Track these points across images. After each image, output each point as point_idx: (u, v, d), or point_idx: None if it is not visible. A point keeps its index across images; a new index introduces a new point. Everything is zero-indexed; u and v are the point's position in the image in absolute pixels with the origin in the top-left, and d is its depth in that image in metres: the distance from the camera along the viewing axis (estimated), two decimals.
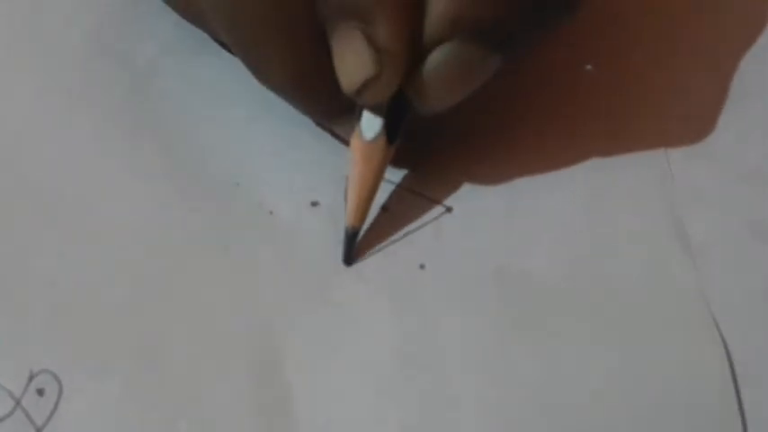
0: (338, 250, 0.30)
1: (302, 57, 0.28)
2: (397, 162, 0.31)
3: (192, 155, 0.31)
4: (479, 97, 0.29)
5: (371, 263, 0.30)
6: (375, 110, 0.28)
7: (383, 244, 0.30)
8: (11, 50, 0.34)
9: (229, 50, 0.32)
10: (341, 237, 0.30)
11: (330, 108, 0.29)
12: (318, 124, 0.31)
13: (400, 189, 0.31)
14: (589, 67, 0.33)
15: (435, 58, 0.27)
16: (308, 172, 0.31)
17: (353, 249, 0.30)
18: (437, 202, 0.31)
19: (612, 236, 0.30)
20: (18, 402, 0.28)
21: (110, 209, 0.31)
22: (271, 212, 0.31)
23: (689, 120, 0.32)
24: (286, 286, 0.29)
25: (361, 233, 0.30)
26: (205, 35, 0.32)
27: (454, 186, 0.31)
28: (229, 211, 0.31)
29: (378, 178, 0.29)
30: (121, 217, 0.30)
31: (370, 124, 0.29)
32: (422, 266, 0.30)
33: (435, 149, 0.31)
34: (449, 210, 0.31)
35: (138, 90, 0.33)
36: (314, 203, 0.31)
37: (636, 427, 0.27)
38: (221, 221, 0.30)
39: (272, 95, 0.30)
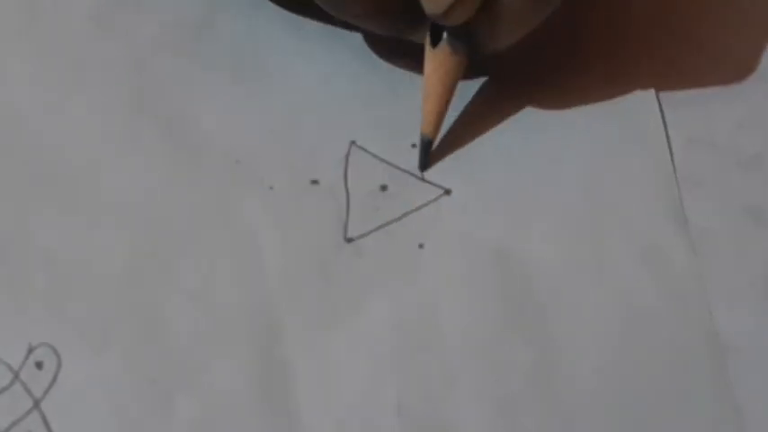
0: (338, 227, 0.30)
1: None
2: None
3: (192, 132, 0.31)
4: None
5: (371, 241, 0.30)
6: (453, 30, 0.29)
7: (383, 222, 0.30)
8: (12, 29, 0.33)
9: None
10: (341, 214, 0.30)
11: (405, 21, 0.30)
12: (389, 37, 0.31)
13: (400, 171, 0.31)
14: None
15: None
16: (308, 151, 0.31)
17: (428, 156, 0.31)
18: (436, 184, 0.31)
19: (611, 220, 0.30)
20: (16, 375, 0.28)
21: (110, 185, 0.31)
22: (271, 188, 0.31)
23: (689, 106, 0.32)
24: (286, 262, 0.29)
25: (436, 143, 0.31)
26: (205, 13, 0.32)
27: (454, 169, 0.31)
28: (229, 188, 0.30)
29: (448, 86, 0.30)
30: (122, 193, 0.30)
31: (439, 35, 0.29)
32: (421, 246, 0.30)
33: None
34: (447, 192, 0.31)
35: (138, 68, 0.33)
36: (314, 182, 0.31)
37: (631, 411, 0.27)
38: (221, 197, 0.30)
39: (270, 74, 0.30)
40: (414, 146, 0.31)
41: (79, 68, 0.33)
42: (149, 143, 0.31)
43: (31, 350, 0.28)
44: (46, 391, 0.28)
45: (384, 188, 0.31)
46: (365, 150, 0.31)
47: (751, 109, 0.32)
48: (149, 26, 0.33)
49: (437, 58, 0.30)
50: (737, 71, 0.33)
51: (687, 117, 0.32)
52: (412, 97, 0.31)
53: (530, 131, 0.31)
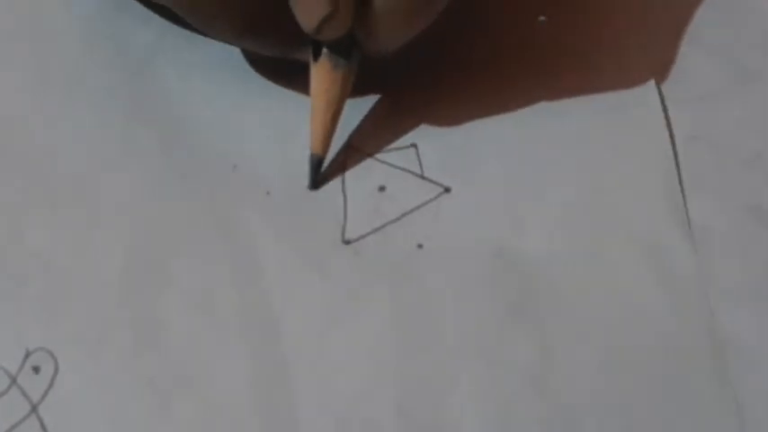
0: (336, 229, 0.30)
1: (252, 5, 0.28)
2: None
3: (189, 137, 0.31)
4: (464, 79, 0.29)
5: (369, 242, 0.30)
6: (332, 43, 0.29)
7: (382, 223, 0.30)
8: (7, 35, 0.34)
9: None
10: (338, 216, 0.30)
11: (286, 43, 0.29)
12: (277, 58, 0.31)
13: (399, 170, 0.31)
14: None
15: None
16: (304, 154, 0.31)
17: (319, 175, 0.30)
18: (436, 182, 0.31)
19: (612, 219, 0.30)
20: (14, 380, 0.28)
21: (107, 189, 0.31)
22: (268, 193, 0.30)
23: (690, 105, 0.32)
24: (283, 265, 0.29)
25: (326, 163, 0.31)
26: None
27: (453, 167, 0.31)
28: (227, 192, 0.30)
29: (332, 102, 0.30)
30: (119, 197, 0.30)
31: (325, 51, 0.29)
32: (420, 246, 0.30)
33: (433, 132, 0.31)
34: (447, 190, 0.30)
35: (134, 74, 0.33)
36: (309, 184, 0.31)
37: (631, 410, 0.27)
38: (219, 202, 0.30)
39: (266, 79, 0.30)
40: (413, 145, 0.31)
41: (77, 73, 0.33)
42: (146, 148, 0.31)
43: (27, 354, 0.28)
44: (43, 396, 0.27)
45: (382, 189, 0.31)
46: (362, 152, 0.31)
47: (753, 107, 0.32)
48: (147, 31, 0.33)
49: (319, 74, 0.29)
50: (739, 69, 0.32)
51: (689, 115, 0.31)
52: (407, 97, 0.31)
53: (530, 129, 0.31)
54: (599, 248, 0.29)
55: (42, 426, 0.27)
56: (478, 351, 0.28)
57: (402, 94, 0.32)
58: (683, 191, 0.30)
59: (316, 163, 0.30)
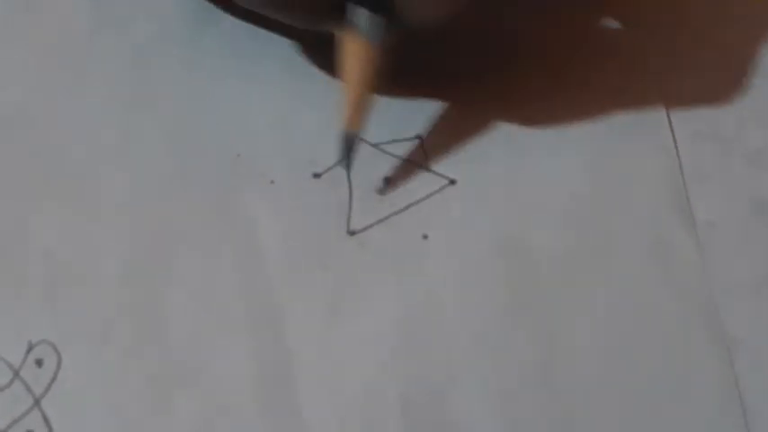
0: (341, 220, 0.30)
1: None
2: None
3: (193, 126, 0.31)
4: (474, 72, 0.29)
5: (374, 233, 0.30)
6: (369, 3, 0.28)
7: (386, 214, 0.30)
8: (11, 23, 0.33)
9: None
10: (343, 207, 0.30)
11: (316, 12, 0.29)
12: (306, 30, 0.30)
13: (405, 162, 0.31)
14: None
15: None
16: (309, 144, 0.31)
17: (353, 155, 0.29)
18: (441, 174, 0.30)
19: (617, 214, 0.30)
20: (17, 373, 0.28)
21: (110, 180, 0.30)
22: (272, 182, 0.30)
23: (695, 100, 0.32)
24: (287, 255, 0.29)
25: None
26: (204, 9, 0.32)
27: (458, 159, 0.31)
28: (230, 181, 0.30)
29: (366, 77, 0.29)
30: (121, 188, 0.30)
31: (356, 21, 0.28)
32: (425, 237, 0.30)
33: (440, 124, 0.31)
34: (453, 182, 0.30)
35: (138, 62, 0.32)
36: (315, 175, 0.30)
37: (636, 404, 0.27)
38: (222, 192, 0.30)
39: (271, 67, 0.30)
40: (418, 136, 0.31)
41: (78, 65, 0.32)
42: (149, 138, 0.31)
43: (31, 348, 0.28)
44: (46, 389, 0.27)
45: (388, 180, 0.30)
46: (367, 142, 0.31)
47: (756, 103, 0.32)
48: (148, 21, 0.33)
49: (353, 47, 0.28)
50: (743, 66, 0.32)
51: (693, 111, 0.31)
52: (414, 89, 0.31)
53: (536, 123, 0.31)
54: (603, 243, 0.29)
55: (45, 419, 0.27)
56: (483, 345, 0.28)
57: (408, 86, 0.31)
58: (686, 186, 0.30)
59: (351, 141, 0.29)
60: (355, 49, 0.28)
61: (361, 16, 0.28)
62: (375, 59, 0.29)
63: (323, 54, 0.30)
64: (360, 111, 0.29)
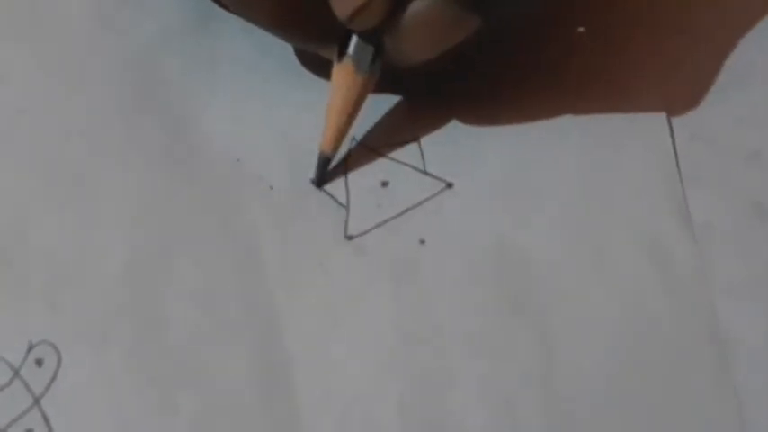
0: (339, 225, 0.30)
1: (287, 3, 0.28)
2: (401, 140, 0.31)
3: (192, 131, 0.31)
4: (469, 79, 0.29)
5: (372, 238, 0.30)
6: (362, 36, 0.29)
7: (384, 219, 0.30)
8: (11, 26, 0.33)
9: None
10: (341, 212, 0.30)
11: (315, 36, 0.29)
12: (302, 51, 0.31)
13: (401, 165, 0.31)
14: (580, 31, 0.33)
15: (416, 7, 0.27)
16: (307, 149, 0.31)
17: (325, 174, 0.30)
18: (438, 178, 0.31)
19: (614, 216, 0.30)
20: (17, 372, 0.28)
21: (110, 183, 0.31)
22: (271, 187, 0.30)
23: (692, 101, 0.32)
24: (286, 259, 0.29)
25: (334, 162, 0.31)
26: (206, 12, 0.33)
27: (455, 162, 0.31)
28: (230, 186, 0.30)
29: (350, 104, 0.30)
30: (122, 191, 0.30)
31: (350, 52, 0.29)
32: (422, 242, 0.30)
33: (436, 128, 0.31)
34: (449, 186, 0.30)
35: (139, 66, 0.33)
36: (314, 180, 0.31)
37: (633, 407, 0.27)
38: (222, 195, 0.30)
39: (271, 73, 0.30)
40: (415, 140, 0.31)
41: (79, 67, 0.33)
42: (149, 142, 0.31)
43: (31, 347, 0.28)
44: (46, 389, 0.28)
45: (385, 184, 0.31)
46: (365, 146, 0.31)
47: (754, 105, 0.32)
48: (149, 25, 0.33)
49: (341, 74, 0.29)
50: (741, 68, 0.32)
51: (690, 113, 0.31)
52: (411, 92, 0.31)
53: (533, 126, 0.31)
54: (601, 245, 0.29)
55: (45, 418, 0.27)
56: (480, 348, 0.28)
57: (405, 89, 0.32)
58: (683, 188, 0.30)
59: (323, 162, 0.30)
60: (343, 76, 0.29)
61: (352, 46, 0.29)
62: (360, 89, 0.29)
63: (322, 60, 0.30)
64: (339, 136, 0.30)
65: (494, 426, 0.27)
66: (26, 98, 0.32)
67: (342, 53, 0.29)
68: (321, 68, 0.31)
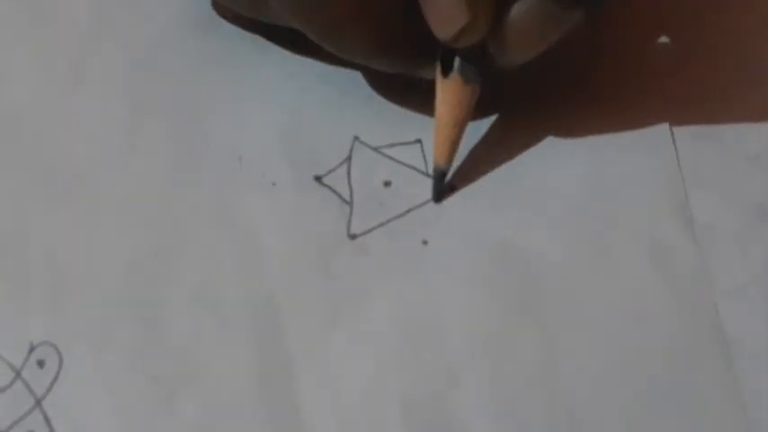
0: (342, 223, 0.30)
1: (384, 21, 0.28)
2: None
3: (194, 129, 0.31)
4: None
5: (374, 238, 0.30)
6: (465, 53, 0.28)
7: (387, 218, 0.30)
8: (13, 28, 0.33)
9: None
10: (344, 210, 0.30)
11: (412, 59, 0.29)
12: (400, 75, 0.30)
13: (404, 166, 0.31)
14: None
15: (518, 10, 0.27)
16: (310, 147, 0.31)
17: (442, 188, 0.30)
18: None
19: (616, 217, 0.30)
20: (18, 374, 0.28)
21: (111, 182, 0.30)
22: (274, 184, 0.30)
23: (694, 101, 0.32)
24: (288, 258, 0.29)
25: (451, 172, 0.30)
26: (207, 12, 0.32)
27: (457, 163, 0.31)
28: (232, 184, 0.30)
29: (461, 117, 0.29)
30: (123, 190, 0.30)
31: (452, 66, 0.29)
32: (424, 242, 0.30)
33: None
34: (452, 187, 0.30)
35: (140, 65, 0.32)
36: (317, 177, 0.30)
37: (636, 407, 0.27)
38: (224, 194, 0.30)
39: (272, 71, 0.30)
40: (418, 140, 0.31)
41: (80, 67, 0.32)
42: (151, 141, 0.31)
43: (32, 349, 0.28)
44: (48, 390, 0.28)
45: (388, 184, 0.30)
46: (368, 146, 0.31)
47: (756, 106, 0.32)
48: (151, 24, 0.33)
49: (449, 89, 0.29)
50: (743, 69, 0.32)
51: (692, 114, 0.31)
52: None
53: (535, 126, 0.31)
54: (603, 247, 0.29)
55: (46, 420, 0.27)
56: (483, 349, 0.28)
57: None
58: (685, 189, 0.30)
59: (440, 176, 0.30)
60: (452, 91, 0.29)
61: (458, 61, 0.29)
62: (470, 98, 0.29)
63: (322, 57, 0.30)
64: (453, 148, 0.30)
65: (497, 426, 0.27)
66: (28, 99, 0.32)
67: (447, 68, 0.29)
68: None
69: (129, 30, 0.33)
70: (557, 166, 0.31)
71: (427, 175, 0.30)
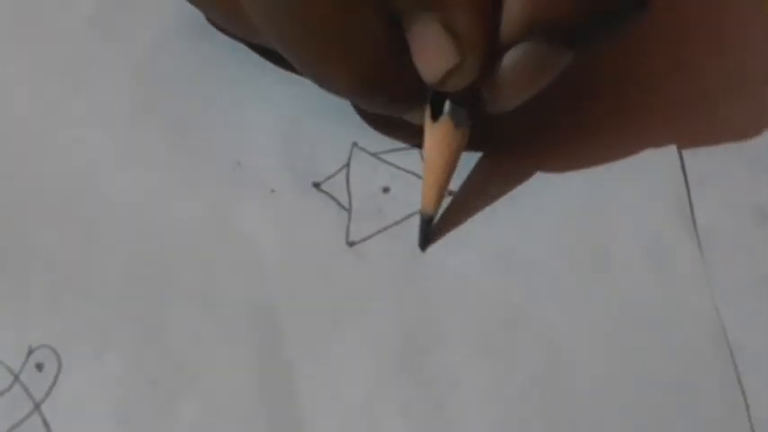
0: (340, 230, 0.30)
1: (371, 61, 0.27)
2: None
3: (193, 134, 0.31)
4: None
5: (373, 244, 0.30)
6: (456, 96, 0.28)
7: (385, 225, 0.30)
8: (11, 31, 0.34)
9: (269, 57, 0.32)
10: (343, 217, 0.30)
11: (399, 101, 0.29)
12: (387, 117, 0.30)
13: (403, 172, 0.31)
14: None
15: (511, 57, 0.27)
16: (309, 153, 0.31)
17: (428, 234, 0.30)
18: None
19: (617, 219, 0.30)
20: (17, 377, 0.28)
21: (110, 187, 0.31)
22: (272, 191, 0.30)
23: (695, 105, 0.32)
24: (287, 266, 0.29)
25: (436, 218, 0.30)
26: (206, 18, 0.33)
27: (457, 169, 0.30)
28: (230, 190, 0.30)
29: (450, 160, 0.29)
30: (122, 195, 0.30)
31: (441, 109, 0.28)
32: (423, 248, 0.30)
33: None
34: (450, 193, 0.30)
35: (138, 71, 0.33)
36: (316, 184, 0.31)
37: (637, 410, 0.27)
38: (222, 199, 0.30)
39: (271, 77, 0.30)
40: (416, 146, 0.31)
41: (79, 71, 0.33)
42: (149, 145, 0.31)
43: (31, 352, 0.28)
44: (46, 394, 0.27)
45: (386, 190, 0.31)
46: (367, 152, 0.31)
47: (758, 108, 0.32)
48: (150, 28, 0.33)
49: (439, 132, 0.29)
50: (744, 70, 0.32)
51: (694, 116, 0.31)
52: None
53: (535, 130, 0.31)
54: (604, 249, 0.29)
55: (45, 424, 0.27)
56: (482, 354, 0.28)
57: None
58: (687, 190, 0.30)
59: (426, 222, 0.29)
60: (441, 135, 0.29)
61: (447, 105, 0.28)
62: (461, 142, 0.29)
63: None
64: (441, 194, 0.29)
65: (498, 430, 0.27)
66: (27, 103, 0.32)
67: (436, 114, 0.29)
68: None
69: (127, 33, 0.33)
70: (555, 172, 0.31)
71: None
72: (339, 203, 0.30)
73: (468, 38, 0.26)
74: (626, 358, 0.28)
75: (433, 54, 0.27)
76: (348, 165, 0.31)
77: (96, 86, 0.32)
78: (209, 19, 0.33)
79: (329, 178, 0.31)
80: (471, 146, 0.30)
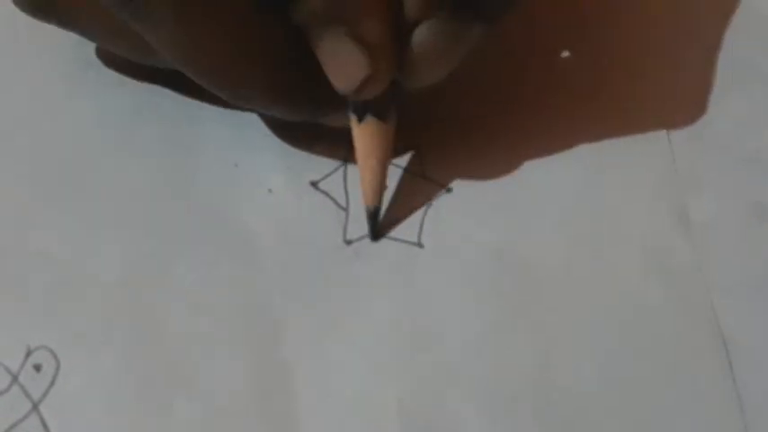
0: (337, 229, 0.30)
1: (283, 65, 0.27)
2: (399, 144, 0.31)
3: (189, 135, 0.31)
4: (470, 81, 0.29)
5: (370, 242, 0.30)
6: (376, 98, 0.28)
7: (383, 223, 0.30)
8: (10, 32, 0.34)
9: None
10: (340, 216, 0.30)
11: (319, 107, 0.29)
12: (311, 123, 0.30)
13: (400, 170, 0.31)
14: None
15: (418, 36, 0.27)
16: (306, 153, 0.31)
17: (377, 226, 0.30)
18: (437, 182, 0.31)
19: (613, 219, 0.30)
20: (15, 378, 0.28)
21: (108, 188, 0.31)
22: (270, 191, 0.30)
23: (689, 103, 0.32)
24: (285, 264, 0.29)
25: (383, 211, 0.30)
26: None
27: (454, 167, 0.31)
28: (228, 190, 0.30)
29: (382, 157, 0.29)
30: (120, 195, 0.30)
31: (365, 109, 0.28)
32: (421, 246, 0.30)
33: (435, 132, 0.31)
34: (449, 190, 0.30)
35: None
36: (313, 183, 0.31)
37: (634, 410, 0.27)
38: (220, 200, 0.30)
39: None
40: (415, 144, 0.31)
41: (78, 71, 0.33)
42: (147, 146, 0.31)
43: (29, 353, 0.28)
44: (44, 394, 0.27)
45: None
46: None
47: (753, 106, 0.32)
48: None
49: (366, 132, 0.29)
50: (740, 68, 0.32)
51: (688, 113, 0.31)
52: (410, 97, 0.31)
53: (532, 129, 0.31)
54: (599, 248, 0.29)
55: (44, 424, 0.27)
56: (479, 351, 0.28)
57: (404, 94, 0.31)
58: (683, 189, 0.30)
59: (373, 214, 0.30)
60: (369, 133, 0.29)
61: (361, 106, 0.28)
62: (389, 134, 0.29)
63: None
64: (380, 188, 0.29)
65: (493, 429, 0.27)
66: (26, 104, 0.32)
67: (362, 113, 0.28)
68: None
69: None
70: (552, 171, 0.31)
71: (423, 177, 0.31)
72: (336, 202, 0.30)
73: (379, 46, 0.26)
74: (621, 356, 0.28)
75: (345, 67, 0.26)
76: (345, 164, 0.31)
77: (95, 87, 0.32)
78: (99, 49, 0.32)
79: (326, 177, 0.31)
80: (464, 139, 0.30)
